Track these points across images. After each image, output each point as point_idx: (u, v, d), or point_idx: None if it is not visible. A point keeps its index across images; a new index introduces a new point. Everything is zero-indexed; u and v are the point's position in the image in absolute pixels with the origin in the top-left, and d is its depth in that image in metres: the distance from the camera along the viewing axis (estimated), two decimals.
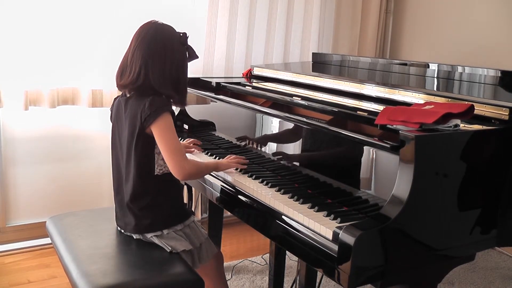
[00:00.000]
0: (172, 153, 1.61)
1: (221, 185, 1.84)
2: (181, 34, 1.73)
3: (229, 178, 1.82)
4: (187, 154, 2.09)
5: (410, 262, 1.37)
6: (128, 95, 1.72)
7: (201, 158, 2.06)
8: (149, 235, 1.70)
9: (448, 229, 1.41)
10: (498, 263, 2.94)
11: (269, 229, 1.62)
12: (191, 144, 2.15)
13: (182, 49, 1.73)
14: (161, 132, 1.61)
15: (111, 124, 1.81)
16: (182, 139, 2.28)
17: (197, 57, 1.79)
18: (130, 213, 1.70)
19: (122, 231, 1.77)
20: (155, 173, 1.68)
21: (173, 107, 1.74)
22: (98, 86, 2.76)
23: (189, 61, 1.77)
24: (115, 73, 2.75)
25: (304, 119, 1.74)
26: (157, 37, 1.68)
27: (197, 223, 1.82)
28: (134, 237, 1.73)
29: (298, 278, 2.00)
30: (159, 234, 1.69)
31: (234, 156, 1.90)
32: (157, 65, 1.65)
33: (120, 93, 1.78)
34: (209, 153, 2.10)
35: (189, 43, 1.75)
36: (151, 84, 1.65)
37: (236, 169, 1.86)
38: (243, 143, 2.09)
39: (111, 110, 1.80)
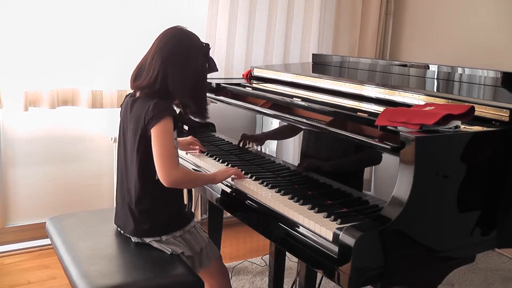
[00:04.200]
0: (162, 158, 1.58)
1: (221, 186, 1.84)
2: (204, 45, 1.71)
3: (229, 179, 1.82)
4: (187, 154, 2.11)
5: (410, 264, 1.37)
6: (136, 96, 1.71)
7: (202, 159, 2.06)
8: (147, 240, 1.69)
9: (448, 230, 1.41)
10: (498, 265, 2.94)
11: (269, 231, 1.62)
12: (192, 143, 2.13)
13: (203, 60, 1.71)
14: (157, 135, 1.59)
15: (119, 120, 1.80)
16: None
17: (217, 70, 1.77)
18: (130, 215, 1.70)
19: (121, 231, 1.77)
20: (156, 178, 1.66)
21: (177, 110, 1.74)
22: (98, 87, 2.76)
23: (208, 73, 1.76)
24: (115, 74, 2.78)
25: (304, 120, 1.74)
26: (180, 44, 1.66)
27: (198, 227, 1.80)
28: (133, 240, 1.72)
29: (298, 279, 2.00)
30: (158, 239, 1.68)
31: (230, 167, 1.85)
32: (177, 72, 1.63)
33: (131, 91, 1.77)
34: (209, 154, 2.10)
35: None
36: (168, 89, 1.63)
37: None
38: (243, 144, 2.09)
39: (121, 107, 1.80)
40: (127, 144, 1.70)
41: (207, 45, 1.73)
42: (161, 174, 1.59)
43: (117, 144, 1.84)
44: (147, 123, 1.59)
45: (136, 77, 1.69)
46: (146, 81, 1.64)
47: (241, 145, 2.09)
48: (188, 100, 1.68)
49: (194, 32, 1.74)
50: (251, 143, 2.04)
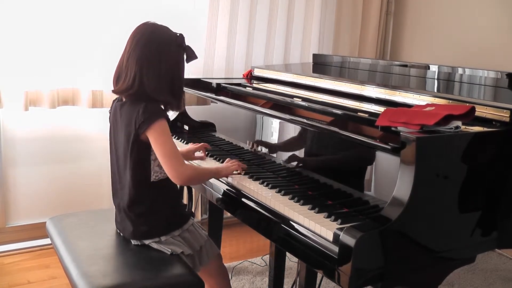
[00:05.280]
0: (168, 158, 1.58)
1: (221, 186, 1.84)
2: (178, 35, 1.69)
3: (229, 179, 1.82)
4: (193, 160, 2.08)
5: (410, 264, 1.36)
6: (123, 100, 1.70)
7: (203, 160, 2.05)
8: (147, 242, 1.69)
9: (449, 231, 1.41)
10: (498, 265, 2.94)
11: (269, 231, 1.62)
12: (201, 149, 2.07)
13: (178, 51, 1.69)
14: (156, 137, 1.58)
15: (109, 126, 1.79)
16: (185, 141, 2.28)
17: (196, 57, 1.74)
18: (127, 219, 1.69)
19: (121, 234, 1.77)
20: (151, 180, 1.66)
21: (170, 112, 1.73)
22: (98, 86, 2.76)
23: (188, 62, 1.74)
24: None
25: (305, 121, 1.74)
26: (151, 40, 1.64)
27: (197, 225, 1.80)
28: (133, 243, 1.71)
29: (298, 279, 2.00)
30: (157, 240, 1.68)
31: (233, 160, 1.87)
32: (152, 70, 1.62)
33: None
34: (209, 154, 2.10)
35: (188, 44, 1.72)
36: (146, 90, 1.62)
37: (236, 170, 1.86)
38: (243, 144, 2.09)
39: (109, 112, 1.80)
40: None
41: (181, 35, 1.70)
42: (172, 174, 1.59)
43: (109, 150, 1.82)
44: (139, 127, 1.58)
45: (117, 80, 1.67)
46: (125, 85, 1.63)
47: (241, 145, 2.09)
48: (167, 97, 1.66)
49: (195, 34, 1.73)
50: (251, 143, 2.04)
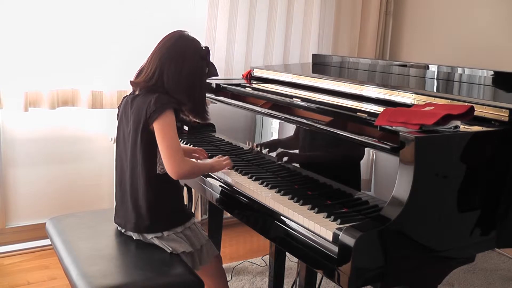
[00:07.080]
0: (170, 151, 1.61)
1: (221, 187, 1.84)
2: (203, 48, 1.77)
3: (229, 179, 1.82)
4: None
5: (410, 264, 1.37)
6: (136, 93, 1.74)
7: (203, 159, 2.05)
8: (149, 236, 1.70)
9: (448, 230, 1.41)
10: (498, 265, 2.94)
11: (269, 231, 1.62)
12: (197, 152, 2.07)
13: (200, 62, 1.76)
14: (161, 128, 1.61)
15: (117, 122, 1.82)
16: (184, 142, 2.28)
17: (216, 74, 1.83)
18: (132, 212, 1.71)
19: (122, 230, 1.77)
20: (157, 172, 1.69)
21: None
22: (98, 87, 2.77)
23: (208, 77, 1.81)
24: (115, 74, 2.79)
25: (304, 121, 1.75)
26: (178, 44, 1.72)
27: (198, 225, 1.82)
28: (134, 237, 1.73)
29: (298, 279, 2.00)
30: (159, 236, 1.69)
31: (225, 157, 1.91)
32: (173, 69, 1.68)
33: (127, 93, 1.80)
34: (210, 155, 2.09)
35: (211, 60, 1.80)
36: (163, 85, 1.68)
37: (236, 170, 1.86)
38: (242, 145, 2.09)
39: (118, 108, 1.82)
40: (127, 141, 1.72)
41: (207, 48, 1.78)
42: (171, 168, 1.62)
43: (115, 144, 1.85)
44: (149, 116, 1.62)
45: (138, 74, 1.75)
46: (145, 77, 1.70)
47: (240, 145, 2.10)
48: (183, 97, 1.70)
49: (195, 34, 1.79)
50: (250, 144, 2.04)
